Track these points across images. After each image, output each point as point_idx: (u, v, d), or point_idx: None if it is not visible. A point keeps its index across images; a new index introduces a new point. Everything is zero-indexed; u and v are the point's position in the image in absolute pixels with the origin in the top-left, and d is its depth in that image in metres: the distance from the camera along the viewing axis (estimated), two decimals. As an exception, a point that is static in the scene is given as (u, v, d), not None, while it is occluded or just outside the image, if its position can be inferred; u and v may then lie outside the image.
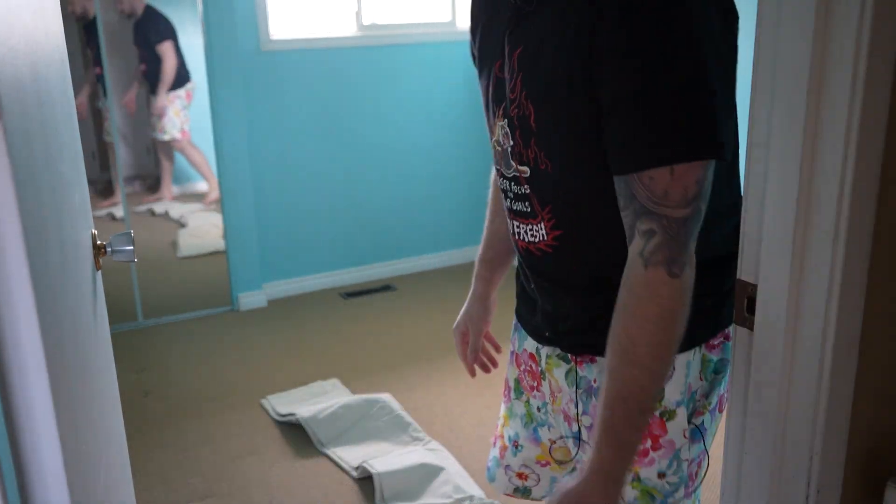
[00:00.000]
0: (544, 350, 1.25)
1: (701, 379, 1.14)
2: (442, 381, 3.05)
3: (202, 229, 4.20)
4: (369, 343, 3.46)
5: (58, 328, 0.83)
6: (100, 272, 1.35)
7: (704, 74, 0.99)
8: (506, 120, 1.10)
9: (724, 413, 1.12)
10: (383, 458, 2.49)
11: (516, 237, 1.19)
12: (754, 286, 0.95)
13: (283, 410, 2.84)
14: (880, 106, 0.83)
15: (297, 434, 2.72)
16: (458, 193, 4.26)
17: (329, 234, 4.12)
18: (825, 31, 0.83)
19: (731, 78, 1.14)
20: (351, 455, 2.55)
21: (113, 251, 1.30)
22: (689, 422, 1.14)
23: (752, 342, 0.97)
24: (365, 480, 2.45)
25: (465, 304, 1.46)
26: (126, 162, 4.01)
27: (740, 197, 1.04)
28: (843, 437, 0.94)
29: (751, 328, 0.97)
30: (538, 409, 1.31)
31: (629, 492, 1.18)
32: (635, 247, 0.98)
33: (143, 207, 4.13)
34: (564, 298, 1.18)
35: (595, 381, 1.17)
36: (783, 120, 0.88)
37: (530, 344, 1.28)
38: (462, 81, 4.08)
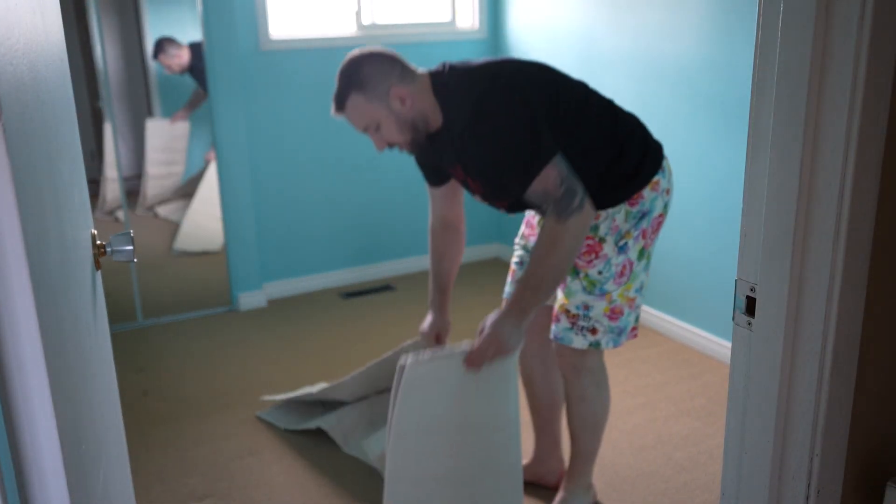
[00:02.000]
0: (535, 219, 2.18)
1: (625, 221, 1.94)
2: (442, 382, 3.04)
3: (200, 223, 4.19)
4: (369, 343, 3.46)
5: (57, 328, 0.83)
6: (100, 272, 1.35)
7: (518, 126, 1.81)
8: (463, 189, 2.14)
9: (646, 239, 2.00)
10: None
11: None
12: (754, 286, 0.95)
13: (287, 422, 2.78)
14: (880, 106, 0.83)
15: (297, 434, 2.72)
16: (457, 193, 4.25)
17: (329, 234, 4.12)
18: (825, 33, 0.83)
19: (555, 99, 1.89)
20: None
21: (113, 251, 1.30)
22: (616, 243, 1.95)
23: (752, 342, 0.97)
24: (365, 480, 2.45)
25: (430, 318, 2.28)
26: (127, 162, 4.01)
27: (621, 126, 1.95)
28: (843, 437, 0.94)
29: (751, 328, 0.97)
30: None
31: (578, 283, 1.99)
32: (546, 219, 1.81)
33: (143, 207, 4.12)
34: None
35: None
36: (783, 120, 0.88)
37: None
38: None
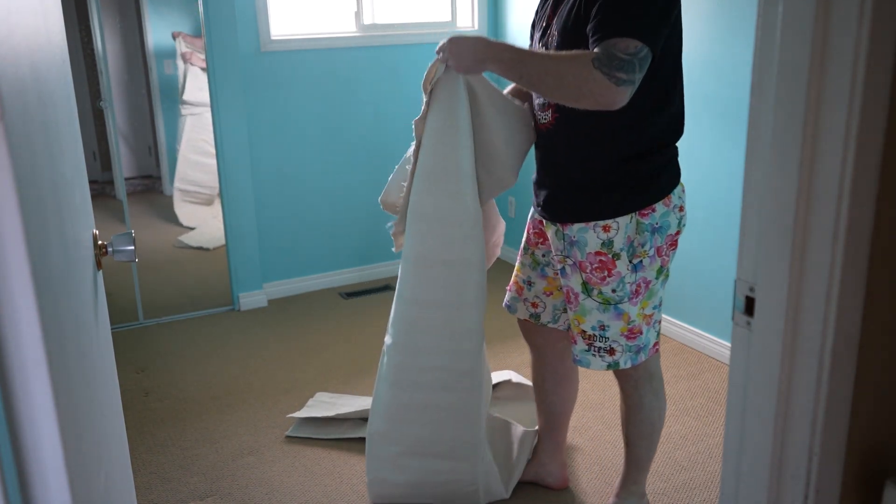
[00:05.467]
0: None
1: (637, 234, 1.85)
2: (442, 381, 3.05)
3: (202, 220, 4.19)
4: (369, 343, 3.46)
5: (59, 327, 0.83)
6: (101, 272, 1.35)
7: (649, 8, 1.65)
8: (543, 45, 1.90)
9: (661, 261, 1.91)
10: None
11: (536, 120, 1.97)
12: (753, 286, 0.95)
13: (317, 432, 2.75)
14: (879, 106, 0.84)
15: (297, 434, 2.73)
16: (458, 193, 4.25)
17: (329, 234, 4.12)
18: (824, 32, 0.83)
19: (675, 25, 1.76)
20: None
21: (114, 251, 1.30)
22: (630, 261, 1.87)
23: (752, 342, 0.97)
24: (365, 480, 2.45)
25: None
26: (128, 162, 4.01)
27: (669, 110, 1.83)
28: (843, 437, 0.94)
29: (750, 328, 0.97)
30: (543, 256, 2.10)
31: (593, 302, 1.91)
32: (593, 52, 1.64)
33: (144, 207, 4.13)
34: (552, 171, 1.94)
35: (574, 237, 1.90)
36: (782, 120, 0.88)
37: (538, 213, 2.04)
38: (462, 81, 4.08)
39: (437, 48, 1.90)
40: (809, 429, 0.92)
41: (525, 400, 2.76)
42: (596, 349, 1.96)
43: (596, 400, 2.89)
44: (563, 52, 1.71)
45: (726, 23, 2.95)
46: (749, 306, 0.97)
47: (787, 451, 0.96)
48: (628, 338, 1.94)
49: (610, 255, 1.86)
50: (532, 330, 2.23)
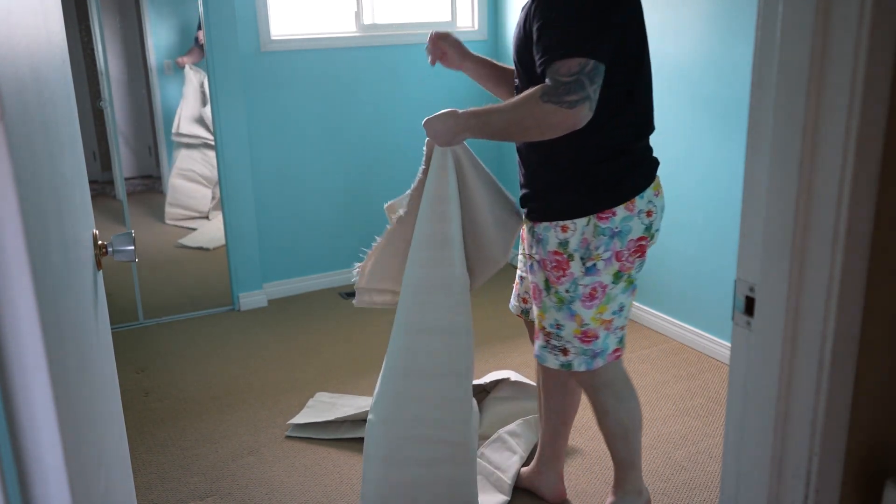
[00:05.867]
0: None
1: (595, 237, 1.84)
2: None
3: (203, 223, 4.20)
4: (369, 343, 3.46)
5: (59, 328, 0.83)
6: (101, 272, 1.35)
7: (583, 13, 1.66)
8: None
9: (623, 262, 1.87)
10: None
11: None
12: (753, 286, 0.95)
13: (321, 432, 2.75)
14: (879, 106, 0.84)
15: (297, 434, 2.73)
16: (458, 193, 4.25)
17: (329, 234, 4.12)
18: (824, 32, 0.83)
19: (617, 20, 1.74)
20: None
21: (114, 251, 1.30)
22: (583, 263, 1.87)
23: (751, 342, 0.97)
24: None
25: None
26: (128, 162, 4.01)
27: (629, 115, 1.83)
28: (842, 436, 0.94)
29: (750, 328, 0.97)
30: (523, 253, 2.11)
31: (550, 300, 1.93)
32: (540, 87, 1.68)
33: (144, 207, 4.13)
34: (525, 172, 1.97)
35: (540, 234, 1.91)
36: (782, 120, 0.88)
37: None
38: (462, 81, 4.08)
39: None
40: (809, 429, 0.92)
41: (522, 399, 2.76)
42: (552, 347, 1.97)
43: (596, 400, 2.90)
44: (516, 99, 1.74)
45: (726, 23, 2.95)
46: (749, 306, 0.97)
47: (787, 451, 0.96)
48: (582, 340, 1.93)
49: (565, 256, 1.87)
50: (529, 327, 2.23)
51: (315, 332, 3.60)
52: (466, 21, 4.26)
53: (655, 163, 1.93)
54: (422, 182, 1.96)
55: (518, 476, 2.40)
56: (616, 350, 1.98)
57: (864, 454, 0.97)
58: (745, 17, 2.88)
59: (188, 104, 3.97)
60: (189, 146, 4.04)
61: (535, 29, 1.71)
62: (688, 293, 3.33)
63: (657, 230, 1.92)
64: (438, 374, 1.99)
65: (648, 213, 1.87)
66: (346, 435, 2.69)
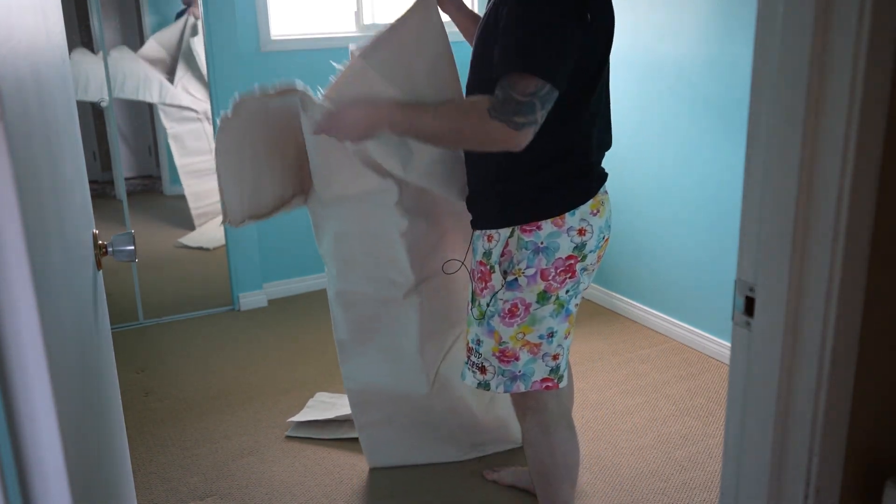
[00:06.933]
0: None
1: (518, 250, 1.74)
2: (442, 381, 3.04)
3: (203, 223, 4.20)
4: (369, 343, 3.46)
5: (59, 328, 0.83)
6: (101, 272, 1.35)
7: (548, 33, 1.56)
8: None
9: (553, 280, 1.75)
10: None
11: None
12: (753, 286, 0.95)
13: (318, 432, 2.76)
14: (879, 106, 0.84)
15: (296, 434, 2.73)
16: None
17: (329, 234, 4.12)
18: (824, 32, 0.83)
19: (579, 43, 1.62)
20: None
21: (114, 251, 1.30)
22: (504, 277, 1.77)
23: (751, 342, 0.97)
24: (365, 479, 2.45)
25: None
26: (128, 162, 4.01)
27: (563, 130, 1.69)
28: (842, 436, 0.94)
29: (750, 328, 0.97)
30: None
31: (473, 313, 1.85)
32: (481, 97, 1.60)
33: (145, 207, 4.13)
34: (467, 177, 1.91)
35: (473, 243, 1.86)
36: (782, 120, 0.88)
37: None
38: (462, 81, 4.08)
39: (318, 127, 1.81)
40: (809, 429, 0.92)
41: None
42: (471, 363, 1.88)
43: (595, 400, 2.90)
44: (459, 102, 1.66)
45: (726, 23, 2.95)
46: (749, 306, 0.97)
47: (787, 451, 0.96)
48: (500, 360, 1.82)
49: (488, 267, 1.79)
50: None
51: (315, 332, 3.60)
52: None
53: (598, 180, 1.80)
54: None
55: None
56: (545, 379, 1.83)
57: (864, 454, 0.97)
58: (745, 17, 2.88)
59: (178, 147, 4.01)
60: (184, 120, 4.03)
61: (502, 26, 1.60)
62: (688, 293, 3.33)
63: (592, 251, 1.77)
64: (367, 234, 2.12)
65: (581, 232, 1.74)
66: (346, 435, 2.69)
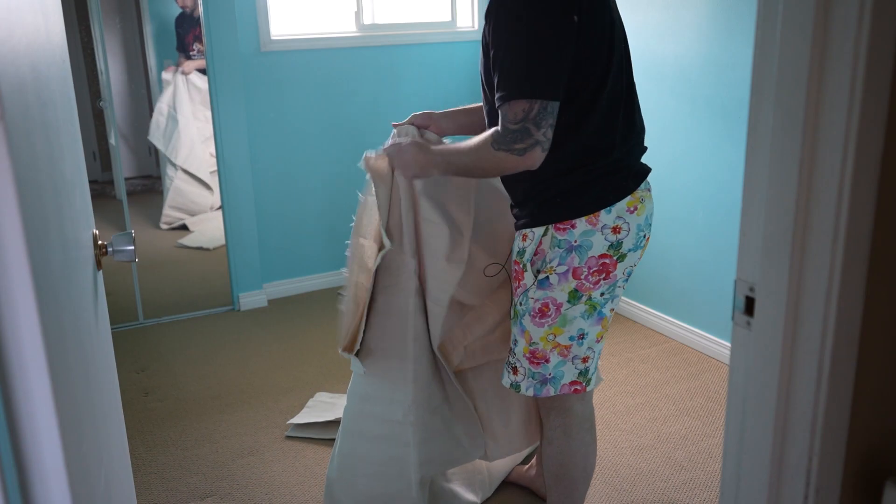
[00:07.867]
0: None
1: (551, 249, 1.75)
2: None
3: (203, 224, 4.20)
4: (369, 343, 3.46)
5: (59, 328, 0.83)
6: (101, 272, 1.35)
7: (534, 48, 1.59)
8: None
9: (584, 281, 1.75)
10: None
11: None
12: (753, 286, 0.95)
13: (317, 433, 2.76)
14: (879, 106, 0.84)
15: (296, 434, 2.73)
16: (458, 193, 4.25)
17: (329, 234, 4.12)
18: (824, 32, 0.83)
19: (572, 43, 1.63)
20: None
21: (114, 251, 1.30)
22: (535, 275, 1.78)
23: (751, 342, 0.97)
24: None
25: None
26: (128, 162, 4.01)
27: (585, 132, 1.70)
28: (843, 437, 0.94)
29: (750, 328, 0.97)
30: None
31: (512, 310, 1.86)
32: (492, 134, 1.67)
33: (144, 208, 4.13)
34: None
35: (513, 244, 1.87)
36: (783, 120, 0.88)
37: None
38: (462, 81, 4.09)
39: (385, 150, 2.00)
40: (809, 429, 0.92)
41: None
42: (509, 363, 1.89)
43: (595, 400, 2.90)
44: (476, 140, 1.72)
45: (726, 23, 2.95)
46: (749, 306, 0.97)
47: (787, 451, 0.96)
48: (531, 361, 1.83)
49: (521, 265, 1.80)
50: None
51: (315, 332, 3.60)
52: (466, 21, 4.26)
53: (636, 176, 1.77)
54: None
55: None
56: (574, 383, 1.84)
57: (864, 454, 0.97)
58: (745, 17, 2.88)
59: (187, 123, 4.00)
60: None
61: (491, 55, 1.65)
62: (688, 293, 3.33)
63: (631, 250, 1.76)
64: (384, 355, 2.10)
65: (615, 230, 1.72)
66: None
